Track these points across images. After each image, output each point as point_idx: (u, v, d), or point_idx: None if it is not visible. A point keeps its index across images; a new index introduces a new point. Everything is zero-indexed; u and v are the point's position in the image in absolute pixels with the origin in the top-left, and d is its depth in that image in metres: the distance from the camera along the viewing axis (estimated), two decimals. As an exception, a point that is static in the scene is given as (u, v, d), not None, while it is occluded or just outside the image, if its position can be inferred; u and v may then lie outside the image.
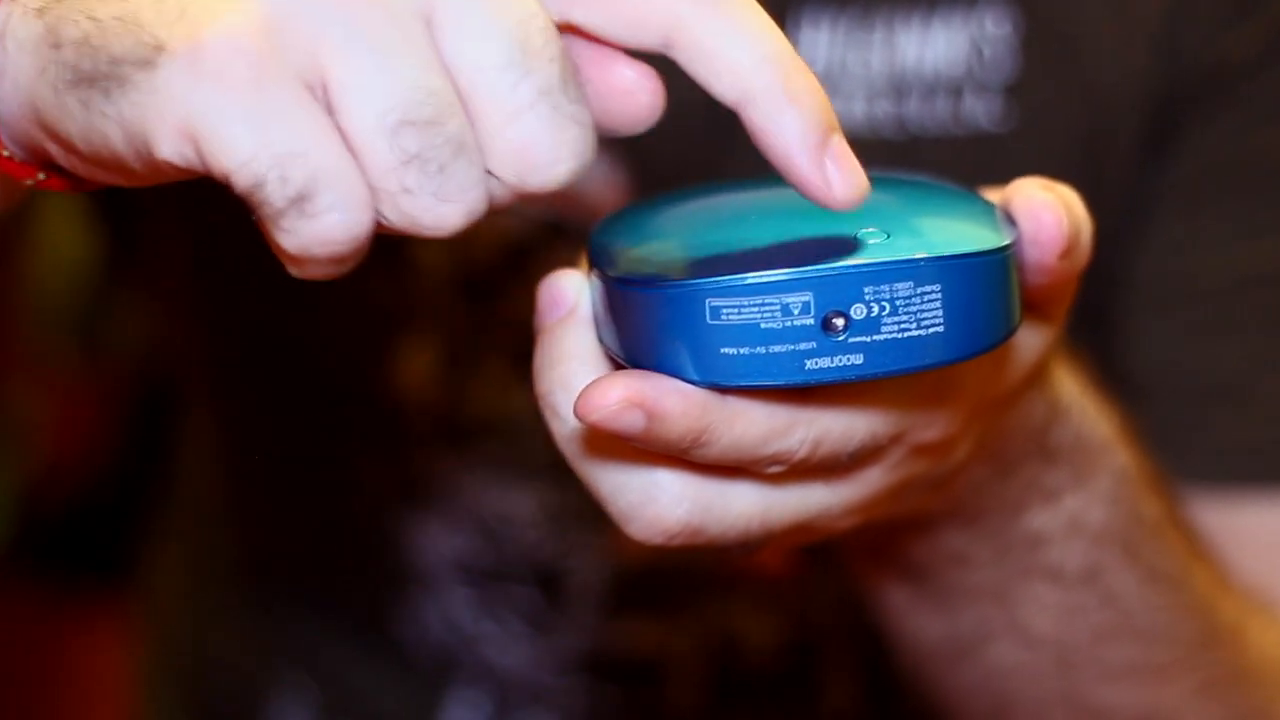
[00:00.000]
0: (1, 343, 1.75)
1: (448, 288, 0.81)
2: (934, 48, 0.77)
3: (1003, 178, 0.77)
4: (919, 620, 0.62)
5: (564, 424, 0.49)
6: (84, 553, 1.74)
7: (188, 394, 0.98)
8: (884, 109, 0.77)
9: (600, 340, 0.49)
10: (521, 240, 0.80)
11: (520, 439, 0.82)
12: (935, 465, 0.51)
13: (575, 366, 0.48)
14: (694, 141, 0.78)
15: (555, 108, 0.43)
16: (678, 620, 0.85)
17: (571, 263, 0.51)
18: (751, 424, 0.46)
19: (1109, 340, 0.80)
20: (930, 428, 0.50)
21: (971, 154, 0.77)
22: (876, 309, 0.44)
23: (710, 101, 0.79)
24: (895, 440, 0.49)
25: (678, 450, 0.46)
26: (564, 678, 0.86)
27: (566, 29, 0.46)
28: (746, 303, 0.44)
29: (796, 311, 0.44)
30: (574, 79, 0.44)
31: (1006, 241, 0.46)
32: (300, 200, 0.42)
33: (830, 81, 0.77)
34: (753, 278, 0.44)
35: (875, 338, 0.44)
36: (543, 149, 0.43)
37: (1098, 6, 0.78)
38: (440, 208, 0.43)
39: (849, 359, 0.44)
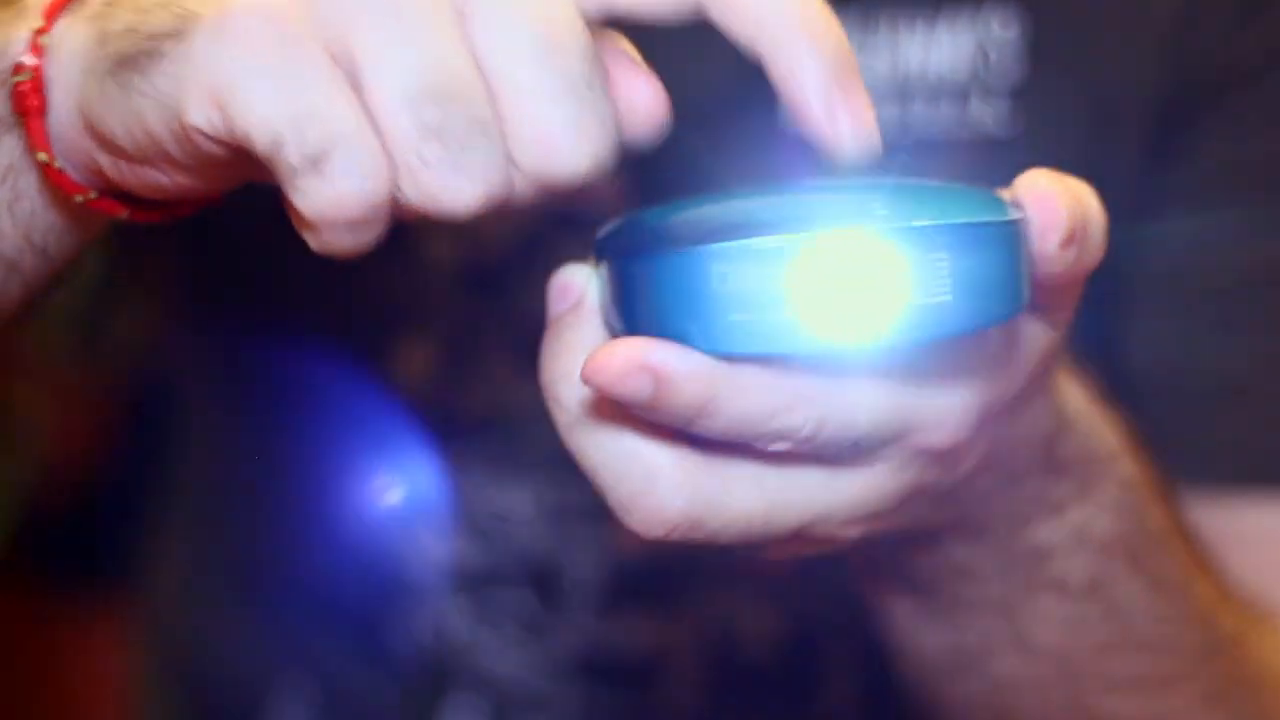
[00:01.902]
0: (2, 343, 1.75)
1: (451, 282, 0.80)
2: (939, 51, 0.77)
3: (1009, 183, 0.77)
4: (922, 633, 0.62)
5: (567, 413, 0.48)
6: (84, 553, 1.73)
7: (185, 394, 0.98)
8: (888, 113, 0.77)
9: (609, 332, 0.48)
10: (531, 233, 0.80)
11: (521, 434, 0.82)
12: (942, 475, 0.51)
13: (580, 357, 0.47)
14: (688, 133, 0.77)
15: (579, 100, 0.44)
16: (675, 616, 0.84)
17: (582, 256, 0.51)
18: (758, 395, 0.45)
19: (1112, 340, 0.79)
20: (939, 427, 0.49)
21: (978, 159, 0.76)
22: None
23: (706, 93, 0.78)
24: (902, 437, 0.48)
25: (683, 420, 0.45)
26: (561, 682, 0.86)
27: (600, 29, 0.47)
28: (753, 267, 0.44)
29: (804, 277, 0.43)
30: (600, 79, 0.45)
31: (1015, 216, 0.46)
32: (316, 161, 0.43)
33: None
34: (758, 242, 0.44)
35: None
36: (564, 140, 0.44)
37: (1105, 9, 0.77)
38: (459, 186, 0.44)
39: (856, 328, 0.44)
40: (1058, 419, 0.55)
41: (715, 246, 0.44)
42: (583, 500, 0.82)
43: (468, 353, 0.81)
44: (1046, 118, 0.77)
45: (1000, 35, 0.77)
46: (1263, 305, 0.77)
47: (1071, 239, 0.48)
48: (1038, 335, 0.52)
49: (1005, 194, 0.50)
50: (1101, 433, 0.58)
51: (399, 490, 0.84)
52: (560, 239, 0.80)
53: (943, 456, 0.50)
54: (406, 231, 0.78)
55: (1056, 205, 0.47)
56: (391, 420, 0.82)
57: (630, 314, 0.46)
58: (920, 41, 0.77)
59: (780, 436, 0.46)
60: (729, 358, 0.45)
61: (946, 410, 0.48)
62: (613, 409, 0.47)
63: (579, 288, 0.49)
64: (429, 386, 0.82)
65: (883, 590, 0.62)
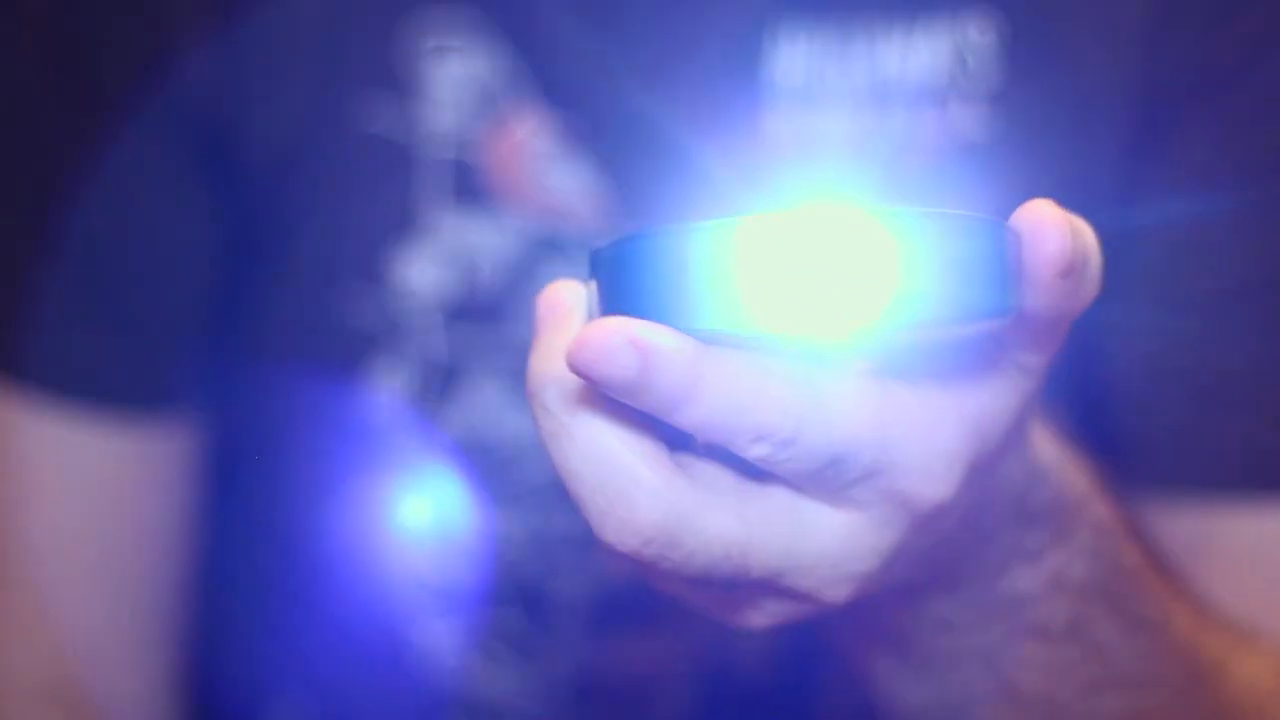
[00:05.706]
0: None
1: (430, 310, 0.80)
2: (917, 58, 0.77)
3: (991, 187, 0.77)
4: (904, 689, 0.61)
5: (551, 417, 0.46)
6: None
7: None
8: (868, 121, 0.76)
9: None
10: (520, 260, 0.80)
11: (510, 463, 0.81)
12: (924, 538, 0.50)
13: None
14: (674, 138, 0.77)
15: None
16: (666, 637, 0.84)
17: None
18: (742, 381, 0.44)
19: (1098, 346, 0.79)
20: (925, 475, 0.47)
21: (959, 164, 0.76)
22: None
23: (691, 96, 0.77)
24: (884, 472, 0.47)
25: (667, 405, 0.44)
26: (553, 705, 0.85)
27: None
28: (728, 245, 0.43)
29: (786, 256, 0.43)
30: None
31: (1007, 224, 0.45)
32: None
33: (810, 94, 0.77)
34: (739, 219, 0.43)
35: None
36: None
37: (1082, 13, 0.77)
38: None
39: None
40: (1030, 472, 0.54)
41: (696, 224, 0.44)
42: (570, 528, 0.81)
43: (452, 380, 0.81)
44: (1026, 122, 0.77)
45: (978, 40, 0.76)
46: (1259, 306, 0.77)
47: (1070, 270, 0.46)
48: (1016, 390, 0.50)
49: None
50: (1072, 479, 0.57)
51: (386, 510, 0.84)
52: (549, 267, 0.79)
53: (927, 517, 0.48)
54: (384, 263, 0.78)
55: (1059, 233, 0.46)
56: (373, 443, 0.82)
57: (611, 304, 0.45)
58: (898, 48, 0.77)
59: (760, 435, 0.45)
60: (711, 339, 0.44)
61: (934, 456, 0.47)
62: (597, 410, 0.46)
63: (569, 301, 0.48)
64: (407, 411, 0.81)
65: (861, 648, 0.61)
